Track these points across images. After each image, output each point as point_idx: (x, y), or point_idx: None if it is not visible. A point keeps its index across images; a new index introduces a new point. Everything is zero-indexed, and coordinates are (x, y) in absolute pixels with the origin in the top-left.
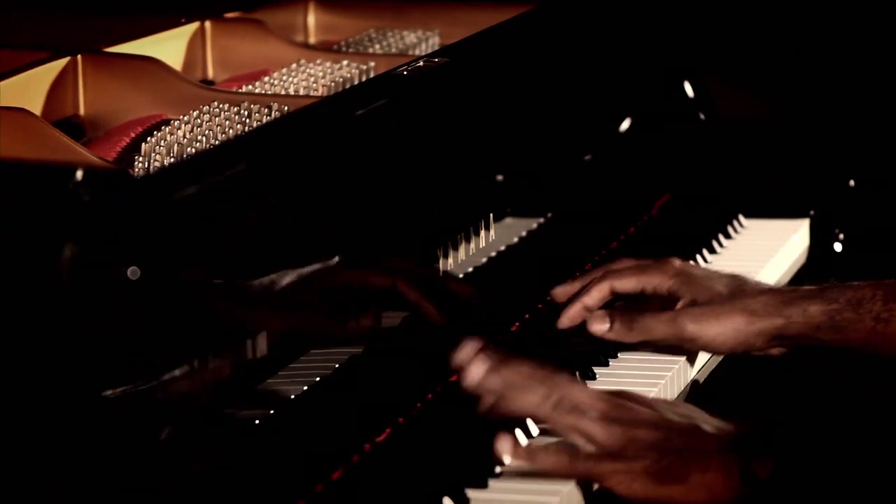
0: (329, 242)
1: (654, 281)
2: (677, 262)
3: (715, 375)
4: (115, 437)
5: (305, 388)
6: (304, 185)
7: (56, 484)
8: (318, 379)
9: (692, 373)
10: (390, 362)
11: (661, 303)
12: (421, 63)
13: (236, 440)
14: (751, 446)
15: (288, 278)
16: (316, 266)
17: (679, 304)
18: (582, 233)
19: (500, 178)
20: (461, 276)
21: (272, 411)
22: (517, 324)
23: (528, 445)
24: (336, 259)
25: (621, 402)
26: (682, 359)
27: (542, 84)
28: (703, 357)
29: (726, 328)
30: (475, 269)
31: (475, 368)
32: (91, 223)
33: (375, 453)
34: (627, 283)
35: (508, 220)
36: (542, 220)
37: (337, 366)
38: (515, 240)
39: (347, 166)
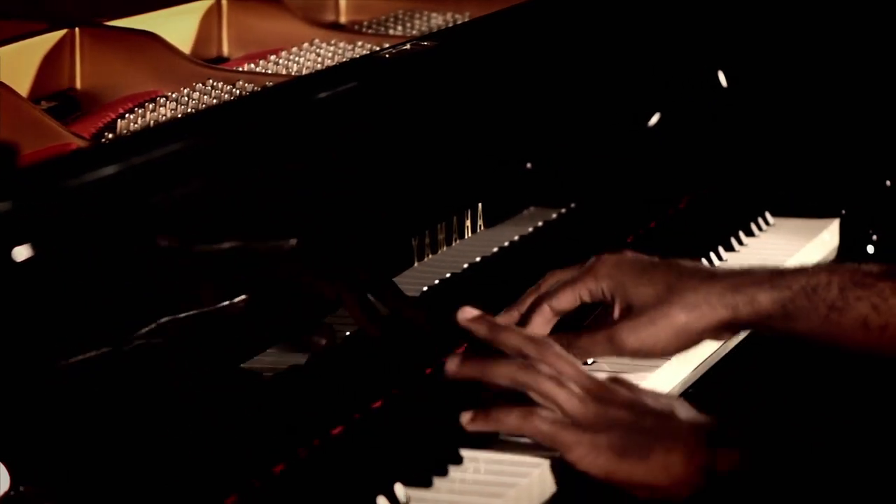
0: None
1: (587, 288)
2: (607, 259)
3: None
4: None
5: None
6: (252, 169)
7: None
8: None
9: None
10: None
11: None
12: (407, 46)
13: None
14: (719, 438)
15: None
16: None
17: (615, 310)
18: (605, 225)
19: (528, 166)
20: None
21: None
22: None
23: (490, 410)
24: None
25: (603, 383)
26: (652, 371)
27: (565, 74)
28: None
29: (666, 333)
30: (482, 258)
31: (450, 363)
32: None
33: (321, 449)
34: (564, 301)
35: (531, 209)
36: (563, 210)
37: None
38: (532, 230)
39: (308, 150)
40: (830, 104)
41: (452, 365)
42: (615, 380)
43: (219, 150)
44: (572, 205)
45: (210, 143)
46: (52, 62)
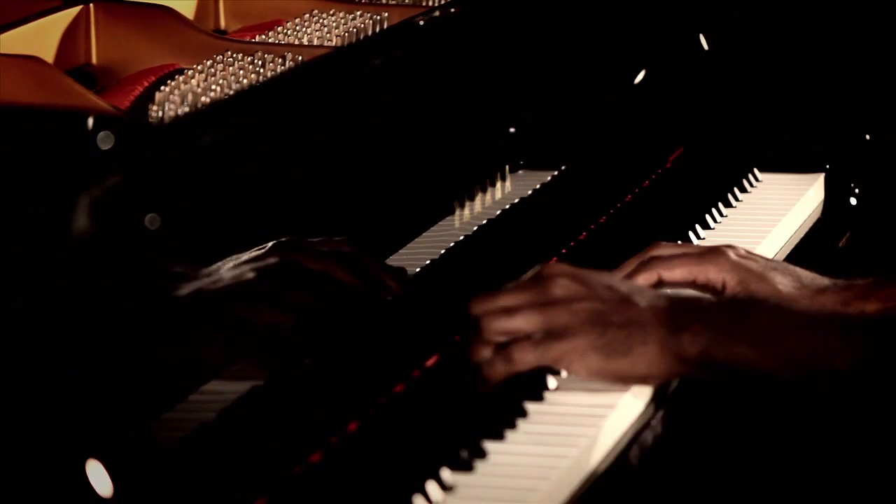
0: (350, 192)
1: (707, 274)
2: (732, 255)
3: None
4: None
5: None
6: (319, 135)
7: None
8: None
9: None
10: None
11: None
12: (437, 13)
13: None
14: (680, 321)
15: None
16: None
17: None
18: (596, 186)
19: (512, 130)
20: (475, 228)
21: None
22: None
23: (478, 373)
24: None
25: (547, 283)
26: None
27: (557, 35)
28: None
29: None
30: (488, 221)
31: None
32: (106, 171)
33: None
34: (678, 273)
35: (521, 173)
36: (555, 173)
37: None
38: (529, 192)
39: (365, 117)
40: (810, 61)
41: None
42: (562, 274)
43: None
44: (563, 167)
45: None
46: (68, 39)
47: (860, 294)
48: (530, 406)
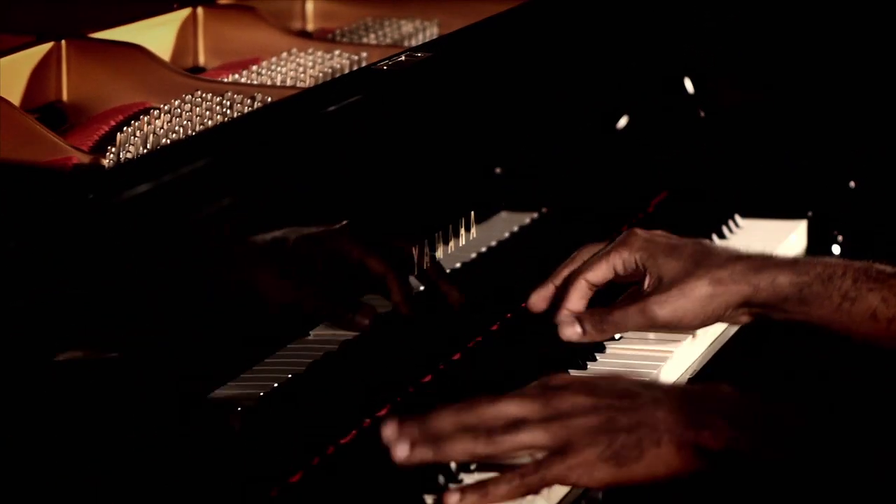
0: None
1: (621, 257)
2: (641, 234)
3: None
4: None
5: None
6: (271, 182)
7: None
8: (289, 375)
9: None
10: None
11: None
12: (403, 57)
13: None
14: (695, 414)
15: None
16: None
17: (646, 282)
18: (576, 229)
19: (497, 171)
20: (448, 271)
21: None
22: (497, 324)
23: (476, 485)
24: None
25: (552, 396)
26: (672, 349)
27: (535, 80)
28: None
29: (694, 304)
30: (463, 264)
31: (399, 449)
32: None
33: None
34: (599, 273)
35: (503, 215)
36: (535, 215)
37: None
38: (507, 235)
39: (319, 163)
40: (795, 106)
41: (401, 452)
42: (552, 382)
43: (239, 163)
44: (544, 209)
45: (233, 157)
46: (39, 75)
47: (776, 264)
48: None
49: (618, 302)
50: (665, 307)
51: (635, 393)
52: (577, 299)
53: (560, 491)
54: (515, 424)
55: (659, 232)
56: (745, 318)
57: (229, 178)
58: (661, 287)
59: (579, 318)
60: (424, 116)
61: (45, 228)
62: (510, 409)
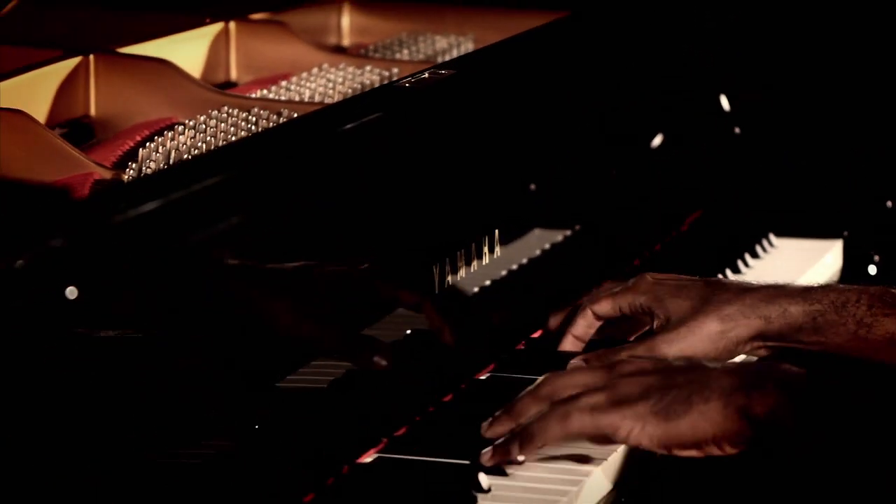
0: (319, 255)
1: (627, 300)
2: (649, 278)
3: None
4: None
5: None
6: (286, 201)
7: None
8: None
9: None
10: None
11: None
12: (426, 74)
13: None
14: (750, 379)
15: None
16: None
17: (654, 323)
18: (608, 247)
19: (532, 187)
20: (476, 289)
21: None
22: (523, 343)
23: (525, 429)
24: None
25: (618, 364)
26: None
27: (567, 97)
28: None
29: (703, 342)
30: (493, 281)
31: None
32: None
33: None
34: (604, 307)
35: (536, 232)
36: (568, 232)
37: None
38: (538, 252)
39: (338, 181)
40: (832, 125)
41: (484, 426)
42: (634, 352)
43: (254, 182)
44: (577, 227)
45: (247, 175)
46: (67, 89)
47: (788, 294)
48: None
49: (628, 341)
50: (673, 346)
51: (698, 362)
52: (581, 325)
53: (615, 461)
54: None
55: (670, 275)
56: (762, 352)
57: (240, 195)
58: (669, 326)
59: (586, 358)
60: (446, 134)
61: (42, 245)
62: (578, 378)
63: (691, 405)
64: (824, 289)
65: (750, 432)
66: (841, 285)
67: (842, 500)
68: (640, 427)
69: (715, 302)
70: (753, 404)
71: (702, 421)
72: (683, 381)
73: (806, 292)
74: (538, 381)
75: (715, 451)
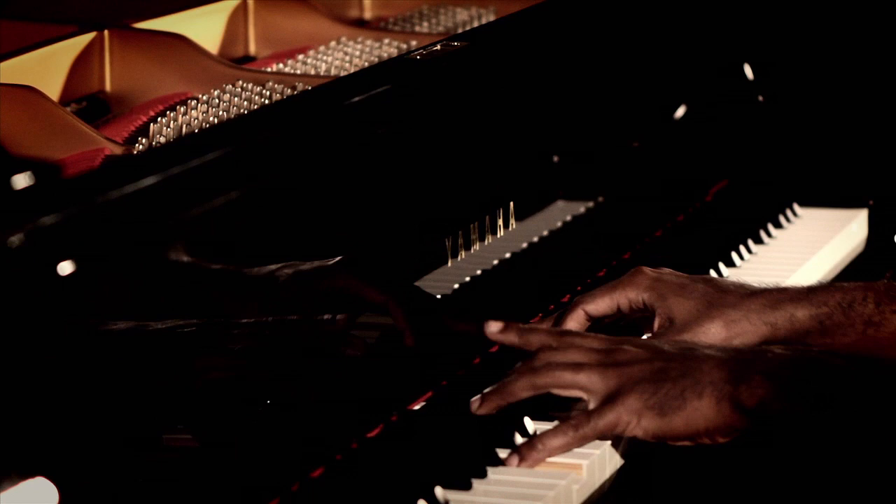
0: (322, 237)
1: (627, 296)
2: (649, 272)
3: None
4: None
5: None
6: (289, 175)
7: None
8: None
9: None
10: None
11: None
12: (438, 46)
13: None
14: (740, 370)
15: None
16: (301, 266)
17: (655, 322)
18: (632, 218)
19: (556, 159)
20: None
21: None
22: (539, 315)
23: (531, 441)
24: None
25: (616, 347)
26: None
27: (588, 68)
28: None
29: None
30: (513, 254)
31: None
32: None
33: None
34: (600, 305)
35: (560, 204)
36: (592, 204)
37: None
38: (559, 224)
39: (343, 154)
40: (857, 94)
41: (475, 403)
42: (622, 339)
43: (256, 156)
44: (600, 198)
45: (249, 149)
46: (82, 65)
47: (792, 298)
48: None
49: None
50: None
51: (691, 349)
52: (571, 327)
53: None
54: (577, 366)
55: (667, 270)
56: None
57: (241, 170)
58: (673, 329)
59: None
60: (457, 107)
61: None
62: (573, 356)
63: (685, 401)
64: (829, 289)
65: (741, 424)
66: (845, 284)
67: (836, 487)
68: (635, 421)
69: (719, 306)
70: (743, 397)
71: (696, 416)
72: (677, 373)
73: (811, 294)
74: (532, 365)
75: (707, 441)
